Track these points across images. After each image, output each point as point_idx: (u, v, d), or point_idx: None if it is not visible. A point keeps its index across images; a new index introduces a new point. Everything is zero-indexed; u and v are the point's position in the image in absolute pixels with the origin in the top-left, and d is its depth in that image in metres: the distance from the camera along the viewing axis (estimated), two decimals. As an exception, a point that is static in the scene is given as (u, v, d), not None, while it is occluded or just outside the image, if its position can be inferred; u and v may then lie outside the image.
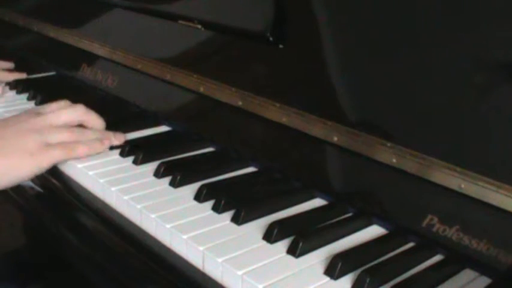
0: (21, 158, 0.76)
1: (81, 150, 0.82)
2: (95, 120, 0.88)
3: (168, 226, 0.68)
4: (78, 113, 0.86)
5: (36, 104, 1.08)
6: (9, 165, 0.76)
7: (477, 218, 0.63)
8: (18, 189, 0.88)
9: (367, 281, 0.58)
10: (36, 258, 1.18)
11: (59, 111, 0.85)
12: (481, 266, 0.62)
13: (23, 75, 1.21)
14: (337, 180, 0.76)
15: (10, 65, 1.25)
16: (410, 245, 0.67)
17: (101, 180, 0.78)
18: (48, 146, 0.79)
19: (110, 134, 0.87)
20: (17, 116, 0.85)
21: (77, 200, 0.80)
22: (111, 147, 0.87)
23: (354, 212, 0.72)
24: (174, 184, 0.77)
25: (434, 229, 0.64)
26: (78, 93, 1.13)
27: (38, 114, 0.83)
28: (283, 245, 0.65)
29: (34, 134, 0.79)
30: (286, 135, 0.80)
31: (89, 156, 0.83)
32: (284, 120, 0.80)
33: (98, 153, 0.84)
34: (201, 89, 0.91)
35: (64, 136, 0.82)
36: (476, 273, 0.62)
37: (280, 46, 0.84)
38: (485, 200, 0.62)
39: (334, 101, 0.77)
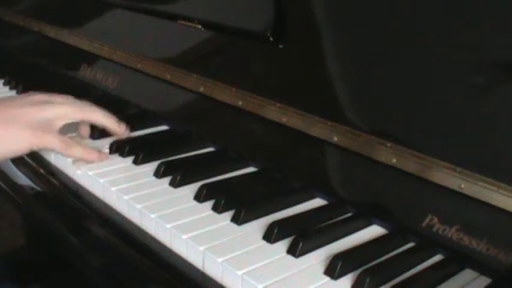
0: (21, 129, 0.75)
1: (77, 151, 0.80)
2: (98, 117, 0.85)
3: (168, 226, 0.68)
4: (70, 99, 0.83)
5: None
6: (8, 134, 0.75)
7: (477, 218, 0.63)
8: (18, 189, 0.89)
9: (367, 281, 0.58)
10: (36, 258, 1.18)
11: (55, 95, 0.83)
12: (481, 266, 0.62)
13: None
14: (337, 180, 0.76)
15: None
16: (410, 245, 0.67)
17: (101, 180, 0.78)
18: (50, 127, 0.77)
19: (114, 119, 0.85)
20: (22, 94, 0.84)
21: (77, 200, 0.80)
22: (111, 150, 0.86)
23: (354, 212, 0.72)
24: (174, 184, 0.77)
25: (434, 229, 0.64)
26: (78, 93, 1.13)
27: (35, 93, 0.82)
28: (283, 245, 0.65)
29: (36, 108, 0.78)
30: (286, 135, 0.80)
31: (82, 159, 0.82)
32: (284, 120, 0.80)
33: (92, 161, 0.82)
34: (201, 89, 0.91)
35: (65, 109, 0.80)
36: (476, 273, 0.62)
37: (280, 46, 0.84)
38: (485, 200, 0.62)
39: (334, 101, 0.77)
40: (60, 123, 0.80)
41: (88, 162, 0.82)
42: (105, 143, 0.88)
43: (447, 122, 0.67)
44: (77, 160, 0.82)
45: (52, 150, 0.80)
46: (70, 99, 0.85)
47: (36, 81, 1.19)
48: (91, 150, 0.82)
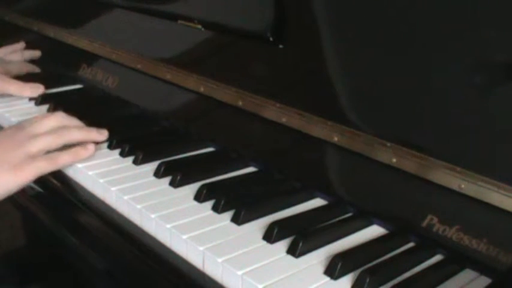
0: (4, 173, 0.76)
1: (65, 159, 0.81)
2: (75, 124, 0.87)
3: (168, 226, 0.68)
4: (57, 118, 0.85)
5: (36, 104, 1.08)
6: None
7: (477, 218, 0.63)
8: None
9: (367, 281, 0.58)
10: (36, 258, 1.18)
11: (39, 121, 0.84)
12: (481, 266, 0.62)
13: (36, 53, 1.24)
14: (337, 180, 0.76)
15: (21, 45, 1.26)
16: (410, 245, 0.67)
17: (101, 180, 0.78)
18: (32, 157, 0.78)
19: (93, 130, 0.86)
20: (1, 132, 0.85)
21: (77, 200, 0.80)
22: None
23: (354, 212, 0.72)
24: (174, 184, 0.77)
25: (434, 229, 0.64)
26: (78, 93, 1.13)
27: (20, 128, 0.83)
28: (283, 245, 0.65)
29: (16, 148, 0.79)
30: (286, 135, 0.80)
31: (73, 163, 0.82)
32: (284, 120, 0.80)
33: (83, 159, 0.83)
34: (201, 89, 0.91)
35: (46, 141, 0.81)
36: (476, 273, 0.62)
37: (280, 46, 0.84)
38: (485, 200, 0.62)
39: (334, 101, 0.77)
40: (43, 152, 0.81)
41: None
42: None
43: (447, 122, 0.67)
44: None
45: (43, 174, 0.80)
46: (58, 117, 0.85)
47: (36, 82, 1.19)
48: (77, 151, 0.82)
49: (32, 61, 1.28)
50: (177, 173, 0.77)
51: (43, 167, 0.79)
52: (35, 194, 0.87)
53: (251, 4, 0.90)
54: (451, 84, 0.67)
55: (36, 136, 0.81)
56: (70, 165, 0.82)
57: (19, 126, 0.85)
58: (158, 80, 0.99)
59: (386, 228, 0.70)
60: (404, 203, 0.69)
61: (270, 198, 0.74)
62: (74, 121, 0.87)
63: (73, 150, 0.82)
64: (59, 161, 0.81)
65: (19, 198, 0.89)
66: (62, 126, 0.85)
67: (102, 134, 0.87)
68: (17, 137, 0.81)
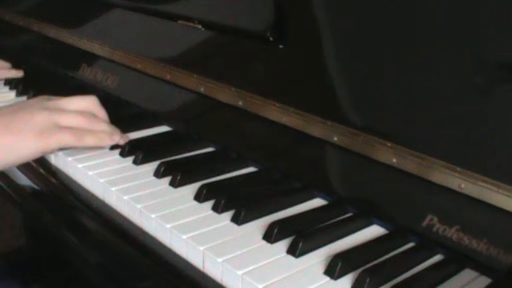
0: (29, 135, 0.76)
1: (90, 139, 0.81)
2: (103, 115, 0.87)
3: (168, 226, 0.68)
4: (90, 102, 0.86)
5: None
6: (17, 142, 0.76)
7: (477, 218, 0.63)
8: (18, 189, 0.89)
9: (367, 281, 0.58)
10: (36, 258, 1.18)
11: (72, 98, 0.85)
12: (481, 266, 0.62)
13: (19, 73, 1.22)
14: (337, 180, 0.76)
15: (7, 64, 1.25)
16: (410, 245, 0.67)
17: (101, 180, 0.78)
18: (58, 128, 0.78)
19: (119, 132, 0.87)
20: (31, 99, 0.85)
21: (77, 200, 0.80)
22: (112, 147, 0.87)
23: (354, 212, 0.72)
24: (174, 184, 0.77)
25: (434, 229, 0.64)
26: (78, 94, 1.13)
27: (52, 99, 0.84)
28: (283, 245, 0.65)
29: (45, 114, 0.78)
30: (286, 135, 0.80)
31: (96, 146, 0.83)
32: (284, 120, 0.80)
33: (105, 146, 0.85)
34: (201, 89, 0.91)
35: (76, 120, 0.81)
36: (476, 273, 0.62)
37: (280, 46, 0.84)
38: (485, 200, 0.62)
39: (334, 101, 0.77)
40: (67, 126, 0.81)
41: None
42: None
43: (447, 122, 0.67)
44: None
45: (66, 146, 0.81)
46: (91, 100, 0.86)
47: (37, 82, 1.19)
48: (103, 137, 0.83)
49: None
50: (177, 173, 0.77)
51: (68, 140, 0.79)
52: (35, 194, 0.87)
53: (251, 4, 0.90)
54: (451, 84, 0.67)
55: (67, 111, 0.82)
56: (92, 146, 0.83)
57: (50, 97, 0.85)
58: (158, 80, 0.99)
59: (387, 228, 0.70)
60: (404, 203, 0.69)
61: (270, 198, 0.74)
62: (103, 111, 0.87)
63: (100, 134, 0.83)
64: (84, 140, 0.81)
65: (19, 199, 0.89)
66: (92, 112, 0.85)
67: (125, 139, 0.87)
68: (47, 106, 0.81)
